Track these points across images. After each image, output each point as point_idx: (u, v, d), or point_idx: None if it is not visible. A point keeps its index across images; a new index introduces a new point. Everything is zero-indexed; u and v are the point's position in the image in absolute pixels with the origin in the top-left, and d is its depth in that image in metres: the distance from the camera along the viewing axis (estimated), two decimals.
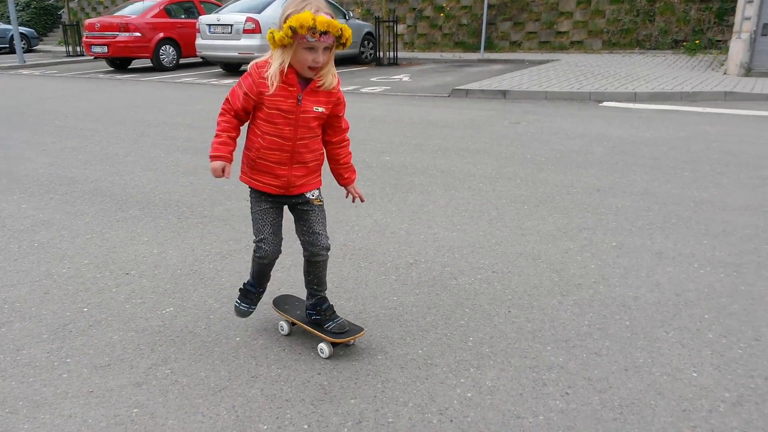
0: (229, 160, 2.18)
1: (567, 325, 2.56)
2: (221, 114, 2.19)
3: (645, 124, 6.95)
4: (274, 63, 2.04)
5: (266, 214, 2.27)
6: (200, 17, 13.34)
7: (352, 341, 2.37)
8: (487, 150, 5.74)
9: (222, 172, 2.18)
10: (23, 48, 18.19)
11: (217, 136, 2.18)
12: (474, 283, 2.96)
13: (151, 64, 14.30)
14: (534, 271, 3.09)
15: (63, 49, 20.07)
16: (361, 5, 19.47)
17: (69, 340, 2.48)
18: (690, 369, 2.23)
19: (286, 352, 2.39)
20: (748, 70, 11.52)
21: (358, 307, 2.73)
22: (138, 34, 13.72)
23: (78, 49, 18.33)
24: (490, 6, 16.42)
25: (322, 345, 2.35)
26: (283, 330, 2.52)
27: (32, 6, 24.38)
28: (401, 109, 8.23)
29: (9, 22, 19.66)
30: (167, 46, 14.28)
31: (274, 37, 2.00)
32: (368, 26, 15.24)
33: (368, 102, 8.98)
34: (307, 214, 2.28)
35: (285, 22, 1.95)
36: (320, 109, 2.14)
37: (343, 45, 2.06)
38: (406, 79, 11.73)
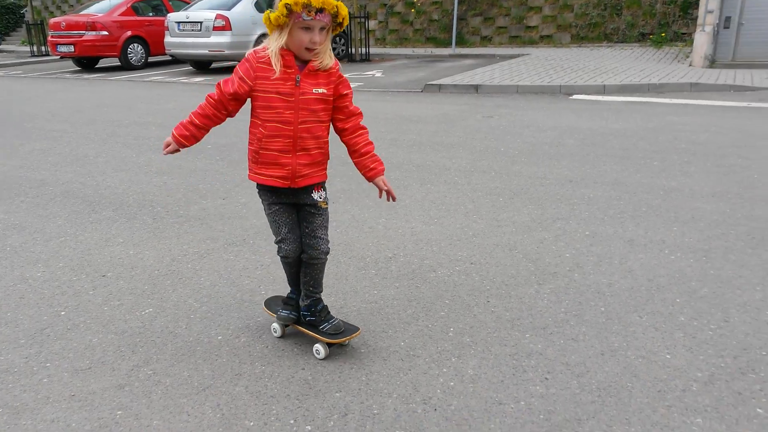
0: (178, 141, 2.18)
1: (544, 312, 2.62)
2: (204, 100, 2.17)
3: (614, 115, 7.08)
4: (272, 45, 2.03)
5: (279, 215, 2.25)
6: (169, 15, 13.15)
7: (347, 341, 2.35)
8: (461, 144, 5.79)
9: (165, 147, 2.22)
10: None
11: (188, 117, 2.19)
12: (453, 275, 3.01)
13: (119, 63, 14.06)
14: (511, 261, 3.14)
15: (27, 49, 19.60)
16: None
17: (47, 345, 2.45)
18: (663, 351, 2.31)
19: (269, 349, 2.40)
20: (712, 62, 11.80)
21: (339, 302, 2.75)
22: (105, 32, 13.48)
23: (43, 48, 17.91)
24: (460, 1, 16.51)
25: (317, 346, 2.33)
26: (276, 332, 2.49)
27: None
28: (375, 105, 8.25)
29: None
30: (135, 45, 14.05)
31: (270, 19, 1.98)
32: None
33: None
34: (312, 216, 2.25)
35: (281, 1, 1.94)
36: (321, 90, 2.09)
37: (340, 26, 2.05)
38: (378, 75, 11.74)
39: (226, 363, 2.31)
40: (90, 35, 13.45)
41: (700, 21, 11.40)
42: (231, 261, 3.25)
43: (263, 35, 12.88)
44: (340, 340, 2.30)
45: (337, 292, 2.85)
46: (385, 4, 18.37)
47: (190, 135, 2.19)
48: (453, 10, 16.01)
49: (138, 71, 13.73)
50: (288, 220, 2.25)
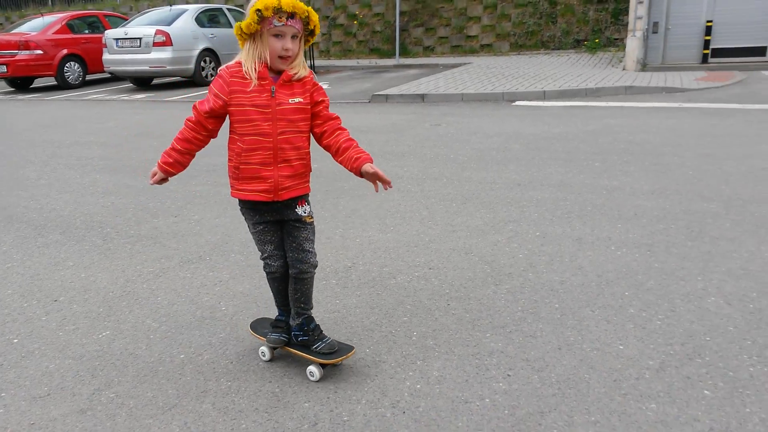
0: (163, 169, 2.17)
1: (502, 312, 2.70)
2: (184, 124, 2.15)
3: (555, 120, 7.33)
4: (247, 57, 2.02)
5: (264, 233, 2.22)
6: (106, 32, 12.86)
7: (341, 362, 2.28)
8: (411, 152, 5.89)
9: (152, 177, 2.21)
10: None
11: (170, 144, 2.18)
12: (412, 280, 3.06)
13: (56, 82, 13.63)
14: (467, 264, 3.22)
15: None
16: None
17: (1, 374, 2.37)
18: (616, 342, 2.42)
19: (234, 364, 2.39)
20: (644, 65, 12.36)
21: None
22: (39, 51, 13.04)
23: None
24: (401, 13, 16.75)
25: (311, 368, 2.25)
26: (264, 356, 2.40)
27: None
28: None
29: None
30: (72, 63, 13.66)
31: (241, 27, 1.97)
32: None
33: None
34: (298, 230, 2.20)
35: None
36: (297, 100, 2.08)
37: (312, 34, 2.06)
38: (325, 86, 11.72)
39: (191, 381, 2.29)
40: (23, 54, 12.99)
41: (630, 27, 11.94)
42: (188, 279, 3.21)
43: (206, 50, 12.76)
44: (335, 360, 2.22)
45: None
46: (327, 17, 18.46)
47: (174, 161, 2.16)
48: (395, 21, 16.24)
49: (76, 90, 13.35)
50: (273, 238, 2.22)
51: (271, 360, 2.40)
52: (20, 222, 4.25)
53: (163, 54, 12.05)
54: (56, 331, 2.69)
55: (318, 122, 2.16)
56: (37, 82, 14.49)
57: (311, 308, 2.32)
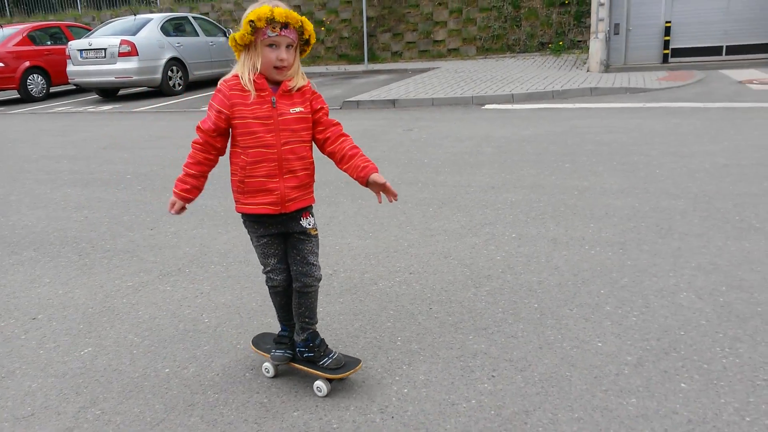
0: (185, 200, 2.12)
1: (484, 314, 2.75)
2: (191, 148, 2.11)
3: (524, 122, 7.46)
4: (244, 69, 2.00)
5: (267, 247, 2.18)
6: (70, 43, 12.63)
7: (349, 376, 2.25)
8: (385, 158, 5.93)
9: (172, 208, 2.13)
10: None
11: (182, 172, 2.11)
12: (394, 285, 3.10)
13: (19, 96, 13.34)
14: (447, 268, 3.27)
15: None
16: (240, 22, 19.24)
17: None
18: (595, 340, 2.49)
19: (220, 377, 2.39)
20: (607, 66, 12.64)
21: None
22: (1, 64, 12.76)
23: None
24: (368, 18, 16.83)
25: (319, 383, 2.22)
26: (268, 373, 2.36)
27: None
28: None
29: None
30: (35, 75, 13.39)
31: (235, 39, 1.96)
32: None
33: None
34: (302, 243, 2.18)
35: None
36: (298, 109, 2.07)
37: (308, 44, 2.04)
38: None
39: (178, 395, 2.28)
40: None
41: (593, 29, 12.21)
42: (168, 292, 3.19)
43: (173, 59, 12.63)
44: (342, 375, 2.20)
45: None
46: None
47: (191, 187, 2.12)
48: (362, 27, 16.30)
49: (40, 103, 13.10)
50: (277, 251, 2.20)
51: (275, 376, 2.36)
52: None
53: (129, 64, 11.90)
54: (36, 350, 2.66)
55: (320, 128, 2.14)
56: None
57: (316, 322, 2.29)
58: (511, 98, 9.27)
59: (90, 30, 14.30)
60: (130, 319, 2.91)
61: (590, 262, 3.24)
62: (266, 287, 2.30)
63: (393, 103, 9.54)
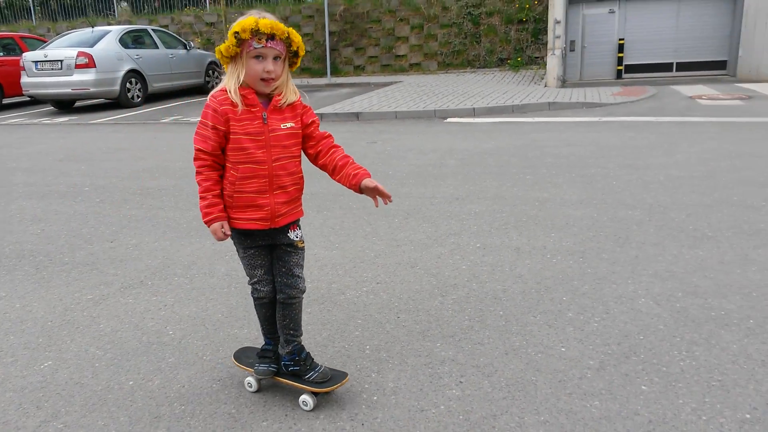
0: (224, 218, 2.04)
1: (450, 322, 2.79)
2: (198, 173, 2.03)
3: (486, 136, 7.60)
4: (230, 81, 1.96)
5: (254, 258, 2.15)
6: (24, 54, 12.33)
7: (335, 390, 2.22)
8: None
9: (222, 234, 2.03)
10: None
11: (202, 198, 2.03)
12: (361, 295, 3.11)
13: None
14: (413, 277, 3.31)
15: None
16: (201, 35, 19.11)
17: None
18: (559, 345, 2.55)
19: (186, 388, 2.36)
20: (564, 82, 12.99)
21: (253, 333, 2.75)
22: None
23: None
24: (331, 33, 16.92)
25: (305, 397, 2.18)
26: (251, 387, 2.30)
27: None
28: None
29: None
30: None
31: (221, 51, 1.92)
32: (211, 56, 15.02)
33: None
34: (288, 255, 2.16)
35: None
36: (289, 125, 2.05)
37: (297, 56, 2.00)
38: None
39: (143, 407, 2.24)
40: None
41: (550, 45, 12.54)
42: (130, 304, 3.13)
43: (132, 71, 12.44)
44: (329, 388, 2.18)
45: (249, 324, 2.85)
46: None
47: (222, 206, 2.05)
48: (325, 41, 16.37)
49: None
50: (264, 262, 2.17)
51: (258, 391, 2.31)
52: None
53: (86, 76, 11.66)
54: None
55: (311, 143, 2.14)
56: None
57: (301, 335, 2.26)
58: (473, 112, 9.44)
59: (45, 42, 13.97)
60: (91, 332, 2.84)
61: (552, 270, 3.32)
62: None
63: (357, 116, 9.59)
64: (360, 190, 2.10)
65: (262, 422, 2.13)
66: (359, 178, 2.08)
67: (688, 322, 2.68)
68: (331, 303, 3.03)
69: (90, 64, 11.68)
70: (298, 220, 2.20)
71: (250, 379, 2.31)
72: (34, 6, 21.85)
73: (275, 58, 1.95)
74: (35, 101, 13.80)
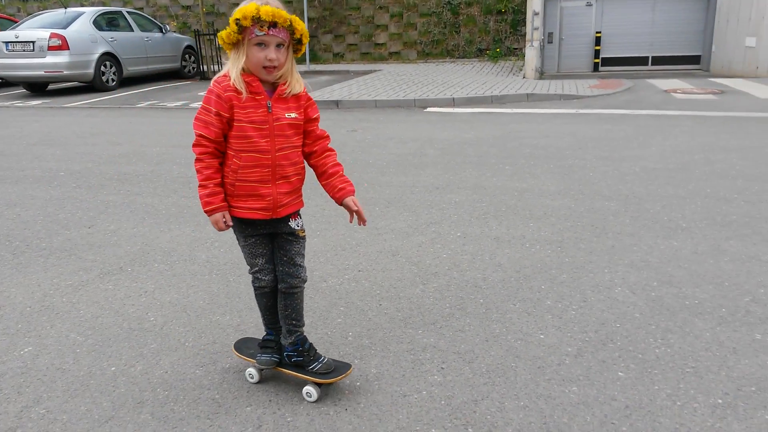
0: (226, 207, 2.01)
1: (432, 309, 2.83)
2: (198, 160, 1.98)
3: (465, 126, 7.64)
4: (233, 68, 1.92)
5: (255, 246, 2.13)
6: None
7: (339, 381, 2.21)
8: None
9: (224, 224, 2.02)
10: None
11: (202, 187, 1.98)
12: (343, 283, 3.13)
13: None
14: (395, 265, 3.34)
15: None
16: (177, 18, 18.79)
17: None
18: (537, 332, 2.60)
19: (169, 374, 2.36)
20: (542, 74, 13.10)
21: (235, 320, 2.76)
22: None
23: None
24: (309, 19, 16.77)
25: (308, 388, 2.16)
26: (252, 378, 2.28)
27: None
28: None
29: None
30: None
31: (223, 37, 1.88)
32: (188, 39, 14.79)
33: None
34: (290, 244, 2.14)
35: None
36: (292, 115, 2.02)
37: (301, 43, 1.96)
38: None
39: (126, 393, 2.24)
40: None
41: (528, 37, 12.62)
42: (110, 290, 3.11)
43: (106, 54, 12.21)
44: (333, 380, 2.16)
45: (231, 311, 2.85)
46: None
47: (224, 195, 2.02)
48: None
49: None
50: (265, 251, 2.15)
51: (259, 382, 2.29)
52: None
53: (60, 58, 11.41)
54: None
55: (308, 141, 2.12)
56: None
57: (303, 325, 2.24)
58: (452, 102, 9.47)
59: (16, 22, 13.62)
60: (72, 318, 2.82)
61: (531, 259, 3.38)
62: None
63: (336, 104, 9.56)
64: (341, 203, 2.14)
65: (246, 407, 2.14)
66: (344, 193, 2.12)
67: (663, 310, 2.75)
68: (313, 290, 3.05)
69: (63, 46, 11.43)
70: (299, 210, 2.19)
71: (252, 370, 2.29)
72: None
73: (278, 45, 1.91)
74: (6, 83, 13.46)
